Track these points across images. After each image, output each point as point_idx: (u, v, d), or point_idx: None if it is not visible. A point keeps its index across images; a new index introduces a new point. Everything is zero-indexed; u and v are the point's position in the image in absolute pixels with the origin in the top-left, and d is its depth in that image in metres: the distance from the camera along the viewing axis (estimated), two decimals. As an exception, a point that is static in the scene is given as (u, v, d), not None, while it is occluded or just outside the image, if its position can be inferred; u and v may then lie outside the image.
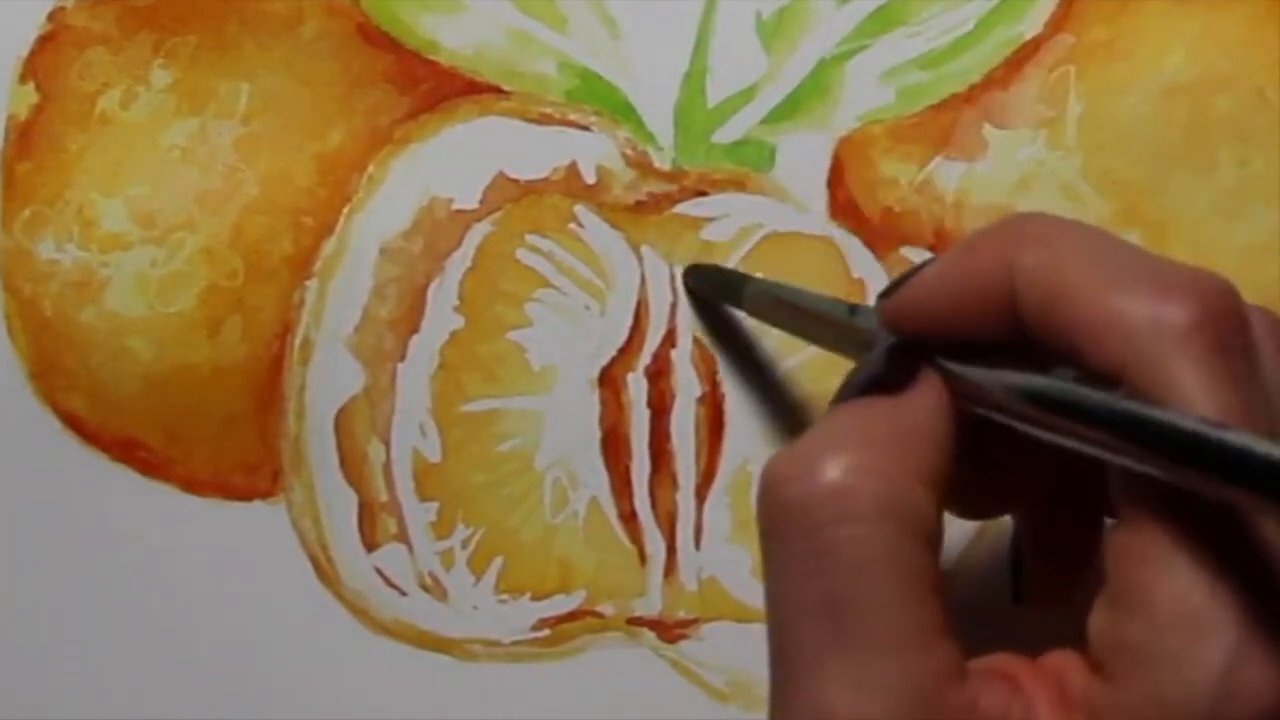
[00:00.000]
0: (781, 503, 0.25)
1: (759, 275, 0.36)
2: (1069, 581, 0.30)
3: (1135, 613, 0.23)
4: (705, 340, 0.36)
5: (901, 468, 0.25)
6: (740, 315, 0.36)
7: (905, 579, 0.24)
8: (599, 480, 0.36)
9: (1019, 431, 0.26)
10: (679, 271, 0.36)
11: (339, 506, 0.36)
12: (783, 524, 0.25)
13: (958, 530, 0.33)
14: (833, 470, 0.25)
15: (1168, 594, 0.23)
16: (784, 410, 0.36)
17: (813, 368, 0.36)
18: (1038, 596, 0.30)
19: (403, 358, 0.36)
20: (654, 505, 0.36)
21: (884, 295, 0.28)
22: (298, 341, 0.36)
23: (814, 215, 0.36)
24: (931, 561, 0.25)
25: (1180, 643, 0.23)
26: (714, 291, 0.36)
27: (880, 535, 0.24)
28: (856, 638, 0.24)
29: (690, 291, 0.36)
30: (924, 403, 0.26)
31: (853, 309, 0.30)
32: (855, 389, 0.27)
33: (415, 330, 0.36)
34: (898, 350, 0.27)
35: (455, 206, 0.37)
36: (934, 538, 0.25)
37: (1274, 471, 0.21)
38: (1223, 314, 0.24)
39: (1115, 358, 0.24)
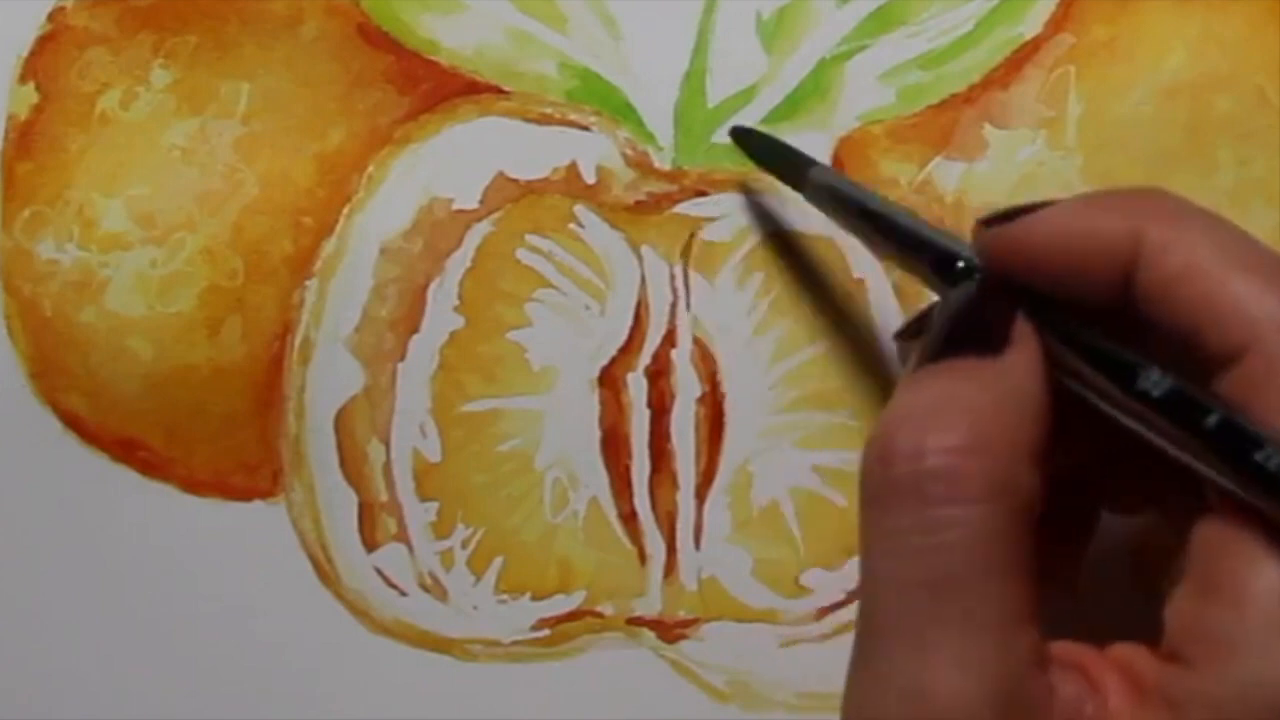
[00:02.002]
0: (892, 476, 0.25)
1: (825, 164, 0.35)
2: (1070, 569, 0.30)
3: (1225, 604, 0.23)
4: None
5: (1010, 444, 0.25)
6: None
7: (1009, 560, 0.24)
8: (599, 480, 0.36)
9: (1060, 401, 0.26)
10: (679, 271, 0.36)
11: (339, 506, 0.36)
12: (891, 498, 0.25)
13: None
14: (946, 446, 0.24)
15: (1261, 588, 0.23)
16: (784, 410, 0.36)
17: (815, 364, 0.36)
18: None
19: (403, 358, 0.36)
20: (654, 505, 0.36)
21: (988, 224, 0.27)
22: (298, 341, 0.36)
23: (814, 215, 0.36)
24: (1031, 542, 0.25)
25: (1268, 635, 0.23)
26: (770, 165, 0.35)
27: (990, 516, 0.24)
28: (959, 616, 0.24)
29: (744, 147, 0.35)
30: (1025, 368, 0.26)
31: (924, 235, 0.29)
32: (949, 333, 0.26)
33: (415, 330, 0.36)
34: (991, 298, 0.26)
35: (455, 206, 0.37)
36: (1036, 516, 0.25)
37: None
38: None
39: (1236, 341, 0.24)
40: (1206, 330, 0.24)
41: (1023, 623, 0.24)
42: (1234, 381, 0.24)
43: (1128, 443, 0.25)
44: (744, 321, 0.36)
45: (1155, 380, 0.24)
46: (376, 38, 0.37)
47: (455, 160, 0.37)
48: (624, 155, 0.37)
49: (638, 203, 0.37)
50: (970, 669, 0.24)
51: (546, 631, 0.36)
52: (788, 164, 0.34)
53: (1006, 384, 0.26)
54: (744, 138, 0.36)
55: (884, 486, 0.25)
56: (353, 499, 0.36)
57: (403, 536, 0.36)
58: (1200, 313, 0.24)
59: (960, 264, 0.27)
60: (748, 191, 0.37)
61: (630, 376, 0.36)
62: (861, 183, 0.33)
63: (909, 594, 0.24)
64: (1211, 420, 0.23)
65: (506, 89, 0.37)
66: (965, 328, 0.26)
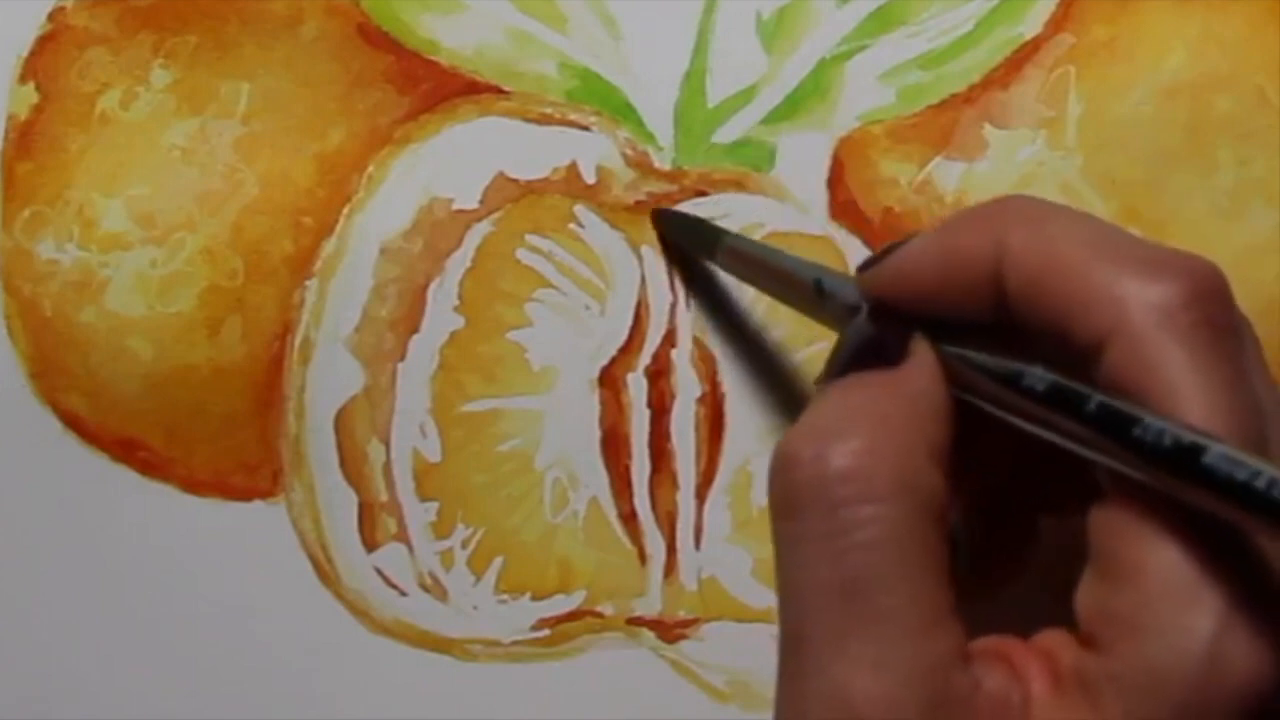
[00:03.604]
0: (797, 483, 0.25)
1: (734, 231, 0.35)
2: (1005, 573, 0.30)
3: (1125, 584, 0.24)
4: (696, 309, 0.36)
5: (914, 445, 0.25)
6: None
7: (922, 559, 0.24)
8: (599, 480, 0.36)
9: (973, 415, 0.26)
10: (678, 271, 0.36)
11: (339, 506, 0.36)
12: (799, 504, 0.25)
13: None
14: (849, 449, 0.25)
15: (1158, 565, 0.23)
16: (784, 410, 0.36)
17: (815, 364, 0.36)
18: (974, 588, 0.30)
19: (403, 358, 0.36)
20: (654, 505, 0.36)
21: (864, 268, 0.28)
22: (298, 341, 0.36)
23: (814, 215, 0.37)
24: (943, 540, 0.25)
25: (1170, 612, 0.23)
26: (687, 242, 0.36)
27: (898, 514, 0.24)
28: (875, 618, 0.24)
29: (662, 239, 0.36)
30: (924, 375, 0.26)
31: (820, 283, 0.30)
32: (850, 360, 0.27)
33: (415, 330, 0.36)
34: (886, 320, 0.27)
35: (455, 206, 0.37)
36: (945, 516, 0.25)
37: (1249, 492, 0.22)
38: (1210, 293, 0.24)
39: (1101, 329, 0.24)
40: (1074, 322, 0.24)
41: (941, 620, 0.24)
42: (1107, 366, 0.24)
43: (1040, 447, 0.25)
44: (744, 321, 0.36)
45: (1039, 378, 0.25)
46: (376, 38, 0.37)
47: (455, 160, 0.37)
48: (624, 155, 0.37)
49: (638, 203, 0.37)
50: (890, 670, 0.24)
51: (546, 631, 0.36)
52: (704, 238, 0.35)
53: (905, 390, 0.26)
54: (661, 220, 0.36)
55: (790, 494, 0.25)
56: (353, 499, 0.36)
57: (403, 536, 0.36)
58: (1066, 306, 0.25)
59: (864, 309, 0.28)
60: (747, 191, 0.37)
61: (630, 376, 0.36)
62: (768, 245, 0.34)
63: (824, 599, 0.24)
64: (1091, 406, 0.24)
65: (506, 89, 0.37)
66: (863, 350, 0.27)
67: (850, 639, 0.24)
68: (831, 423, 0.25)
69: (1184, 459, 0.22)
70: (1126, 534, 0.24)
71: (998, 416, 0.26)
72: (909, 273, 0.27)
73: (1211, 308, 0.24)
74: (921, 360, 0.26)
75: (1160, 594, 0.23)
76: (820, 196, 0.37)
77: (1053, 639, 0.25)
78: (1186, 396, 0.23)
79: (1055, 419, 0.24)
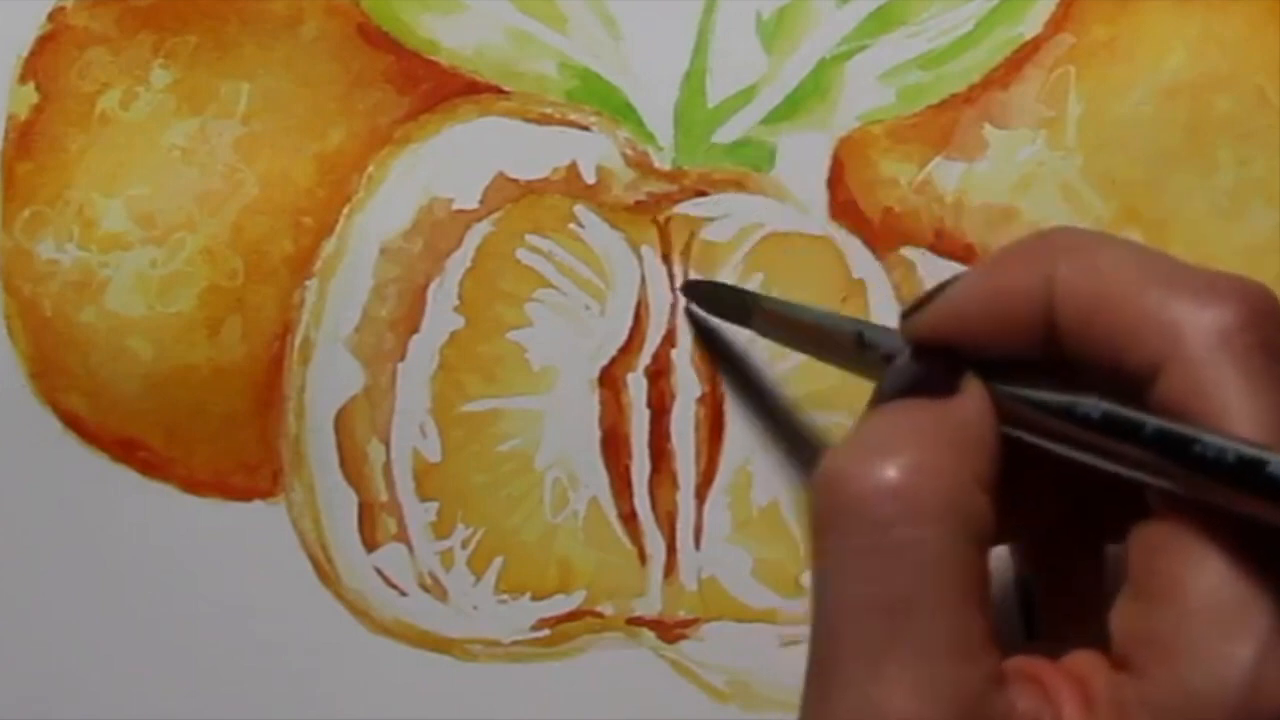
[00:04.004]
0: (843, 499, 0.25)
1: (765, 294, 0.35)
2: (1080, 612, 0.30)
3: (1164, 606, 0.23)
4: (705, 351, 0.36)
5: (961, 469, 0.25)
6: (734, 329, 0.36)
7: (965, 583, 0.24)
8: (599, 480, 0.36)
9: (1024, 457, 0.26)
10: (679, 271, 0.36)
11: (339, 506, 0.36)
12: (843, 521, 0.25)
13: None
14: (897, 468, 0.24)
15: (1200, 587, 0.23)
16: (784, 411, 0.36)
17: (810, 368, 0.36)
18: (1051, 632, 0.30)
19: (403, 358, 0.36)
20: (654, 505, 0.36)
21: (907, 315, 0.28)
22: (298, 341, 0.36)
23: (814, 215, 0.37)
24: (986, 565, 0.25)
25: (1211, 636, 0.23)
26: (720, 310, 0.36)
27: (944, 537, 0.24)
28: (916, 640, 0.24)
29: (687, 310, 0.36)
30: (974, 407, 0.26)
31: (861, 335, 0.29)
32: (899, 389, 0.27)
33: (415, 330, 0.36)
34: (935, 355, 0.27)
35: (455, 206, 0.37)
36: (989, 542, 0.25)
37: None
38: (1266, 315, 0.24)
39: (1156, 355, 0.24)
40: (1127, 350, 0.24)
41: (980, 646, 0.24)
42: (1160, 392, 0.24)
43: (1089, 483, 0.25)
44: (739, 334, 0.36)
45: (1092, 406, 0.25)
46: (376, 38, 0.37)
47: (455, 160, 0.37)
48: (624, 155, 0.37)
49: (638, 203, 0.37)
50: (928, 695, 0.23)
51: (546, 631, 0.36)
52: (736, 304, 0.35)
53: (955, 418, 0.26)
54: (692, 290, 0.36)
55: (837, 509, 0.25)
56: (353, 499, 0.36)
57: (403, 536, 0.36)
58: (1118, 335, 0.24)
59: (907, 351, 0.28)
60: (747, 191, 0.37)
61: (630, 376, 0.36)
62: (802, 304, 0.34)
63: (864, 618, 0.24)
64: (1148, 429, 0.24)
65: (506, 89, 0.37)
66: (913, 381, 0.27)
67: (888, 660, 0.24)
68: (880, 441, 0.25)
69: (1248, 472, 0.22)
70: (1169, 551, 0.23)
71: (1051, 450, 0.25)
72: (957, 315, 0.27)
73: (1267, 329, 0.24)
74: (972, 393, 0.26)
75: (1201, 617, 0.23)
76: (820, 196, 0.37)
77: (1083, 661, 0.25)
78: (1239, 417, 0.23)
79: (1112, 445, 0.24)
